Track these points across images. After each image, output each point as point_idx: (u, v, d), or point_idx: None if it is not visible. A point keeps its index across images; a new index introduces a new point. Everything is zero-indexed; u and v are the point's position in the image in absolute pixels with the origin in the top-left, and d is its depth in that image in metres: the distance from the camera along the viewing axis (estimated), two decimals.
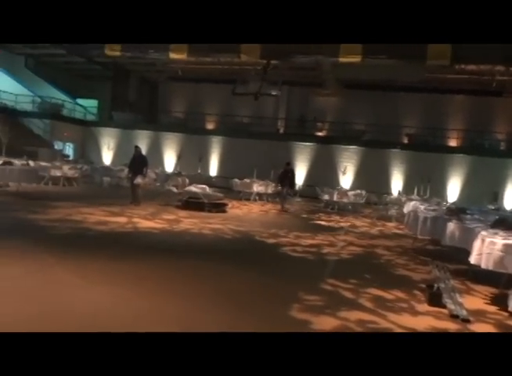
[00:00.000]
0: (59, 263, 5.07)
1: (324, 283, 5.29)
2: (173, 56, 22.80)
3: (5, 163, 12.36)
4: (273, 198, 18.32)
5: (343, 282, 5.39)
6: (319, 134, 26.57)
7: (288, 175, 14.30)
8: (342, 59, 20.54)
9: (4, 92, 24.68)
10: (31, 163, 14.80)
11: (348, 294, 4.91)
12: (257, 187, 17.23)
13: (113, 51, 23.32)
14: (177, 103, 31.19)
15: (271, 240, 8.25)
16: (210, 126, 28.95)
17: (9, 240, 6.08)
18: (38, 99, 26.38)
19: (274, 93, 21.34)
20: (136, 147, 12.86)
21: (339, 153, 24.03)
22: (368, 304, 4.59)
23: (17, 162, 13.55)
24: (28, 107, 25.51)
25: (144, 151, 15.03)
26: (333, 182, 21.67)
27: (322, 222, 12.22)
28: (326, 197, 16.62)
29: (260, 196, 17.40)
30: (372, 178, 21.99)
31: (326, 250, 7.75)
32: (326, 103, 26.90)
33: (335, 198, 16.24)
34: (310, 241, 8.49)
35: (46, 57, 29.15)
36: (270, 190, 17.62)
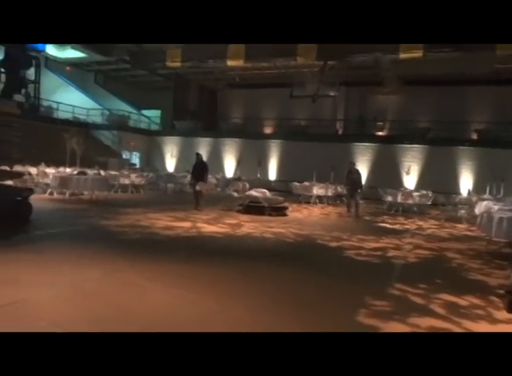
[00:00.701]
0: (131, 266, 5.35)
1: (391, 288, 5.11)
2: (230, 62, 23.30)
3: (79, 173, 13.28)
4: (333, 201, 18.05)
5: (412, 287, 5.17)
6: (380, 134, 25.81)
7: (354, 176, 13.31)
8: (403, 56, 19.86)
9: (77, 107, 26.52)
10: (102, 172, 15.78)
11: (418, 300, 4.70)
12: (317, 190, 17.05)
13: (174, 62, 24.31)
14: (235, 109, 31.79)
15: (333, 244, 8.12)
16: (268, 130, 29.17)
17: (86, 245, 6.52)
18: (107, 112, 28.08)
19: (332, 94, 21.09)
20: (197, 154, 13.21)
21: (402, 152, 23.17)
22: (440, 310, 4.37)
23: (90, 172, 14.50)
24: (98, 120, 27.24)
25: (205, 157, 15.45)
26: (397, 183, 20.92)
27: (387, 225, 11.83)
28: (390, 198, 16.08)
29: (320, 199, 17.21)
30: (438, 177, 20.95)
31: (391, 253, 7.50)
32: (386, 101, 26.12)
33: (399, 199, 15.67)
34: (374, 244, 8.26)
35: (113, 72, 31.00)
36: (330, 193, 17.38)
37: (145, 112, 31.88)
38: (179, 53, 23.98)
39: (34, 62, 8.10)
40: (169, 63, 24.55)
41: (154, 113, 32.31)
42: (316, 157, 22.51)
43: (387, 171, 22.16)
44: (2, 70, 7.78)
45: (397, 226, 11.69)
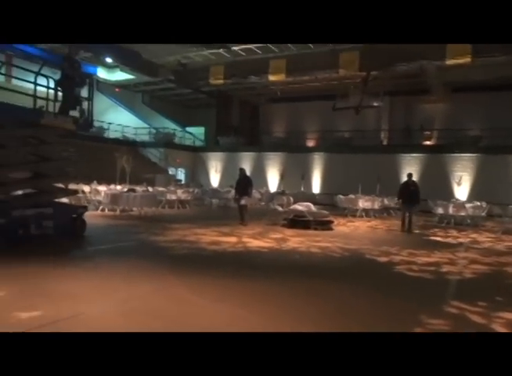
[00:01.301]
0: (180, 282, 5.43)
1: (448, 306, 4.86)
2: (272, 77, 23.53)
3: (129, 190, 13.77)
4: (380, 214, 17.58)
5: (470, 304, 4.89)
6: (428, 143, 25.00)
7: (411, 189, 12.15)
8: (449, 62, 19.26)
9: (126, 126, 27.68)
10: (150, 189, 16.27)
11: (478, 319, 4.44)
12: (363, 203, 16.68)
13: (216, 79, 24.89)
14: (277, 123, 31.96)
15: (382, 258, 7.88)
16: (311, 143, 29.05)
17: (136, 261, 6.70)
18: (154, 131, 29.08)
19: (376, 105, 20.73)
20: (241, 169, 13.26)
21: (452, 162, 22.29)
22: (503, 330, 4.10)
23: (139, 189, 15.00)
24: (145, 138, 28.26)
25: (248, 172, 15.56)
26: (447, 194, 20.09)
27: (438, 238, 11.34)
28: (440, 210, 15.45)
29: (366, 212, 16.82)
30: (493, 187, 19.93)
31: (445, 268, 7.15)
32: (433, 110, 25.33)
33: (451, 211, 15.02)
34: (426, 259, 7.92)
35: (159, 92, 32.16)
36: (377, 206, 16.96)
37: (189, 129, 32.75)
38: (221, 70, 24.55)
39: (88, 81, 8.66)
40: (212, 81, 25.16)
41: (198, 130, 33.11)
42: (361, 169, 22.11)
43: (436, 182, 21.33)
44: (60, 89, 8.39)
45: (449, 240, 11.18)
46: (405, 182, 12.47)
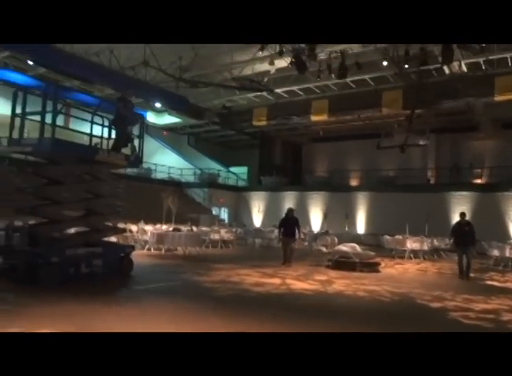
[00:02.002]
0: (223, 324, 5.35)
1: None
2: (314, 118, 23.79)
3: (174, 230, 14.05)
4: (430, 255, 16.79)
5: None
6: (478, 181, 23.99)
7: (465, 229, 11.10)
8: (498, 98, 18.72)
9: (172, 167, 28.66)
10: (194, 228, 16.51)
11: None
12: (411, 244, 16.03)
13: (259, 121, 25.49)
14: (320, 162, 31.96)
15: (435, 304, 7.44)
16: (354, 182, 28.69)
17: (181, 301, 6.71)
18: (198, 171, 29.86)
19: (422, 143, 20.30)
20: (289, 209, 12.95)
21: (506, 201, 21.17)
22: None
23: (183, 228, 15.26)
24: (190, 179, 29.03)
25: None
26: (502, 235, 18.94)
27: (495, 283, 10.62)
28: (496, 252, 14.53)
29: (415, 253, 16.11)
30: None
31: (506, 317, 6.63)
32: (482, 147, 24.48)
33: (507, 254, 14.09)
34: (484, 306, 7.40)
35: (204, 134, 33.31)
36: (426, 247, 16.22)
37: (233, 169, 33.38)
38: (264, 112, 25.15)
39: (139, 119, 9.31)
40: (255, 122, 25.79)
41: (241, 170, 33.67)
42: (407, 209, 21.42)
43: (490, 222, 20.19)
44: (113, 127, 9.02)
45: (508, 284, 10.43)
46: (458, 223, 11.47)
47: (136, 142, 9.42)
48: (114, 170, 9.94)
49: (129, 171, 24.36)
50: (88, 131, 8.51)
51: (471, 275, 11.23)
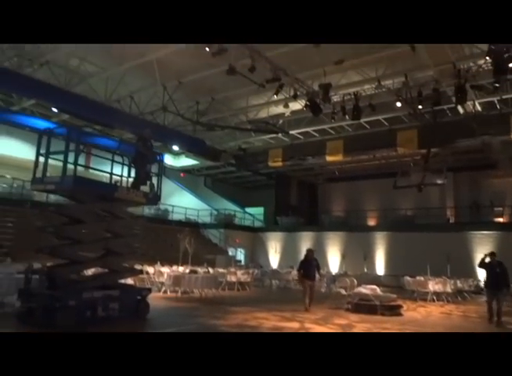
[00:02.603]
0: None
1: None
2: (329, 158, 23.94)
3: (191, 272, 13.95)
4: (454, 298, 16.19)
5: None
6: (500, 220, 23.42)
7: (496, 271, 10.26)
8: None
9: (189, 208, 28.88)
10: (211, 270, 16.37)
11: None
12: (434, 285, 15.50)
13: (275, 162, 25.75)
14: (336, 201, 31.82)
15: None
16: (372, 222, 28.35)
17: None
18: (215, 212, 29.98)
19: (439, 182, 20.11)
20: (310, 251, 12.45)
21: None
22: None
23: (200, 270, 15.15)
24: (207, 220, 29.11)
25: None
26: None
27: None
28: None
29: (438, 295, 15.55)
30: None
31: None
32: (502, 184, 24.11)
33: None
34: None
35: (220, 175, 33.75)
36: (449, 289, 15.65)
37: (249, 210, 33.45)
38: (280, 153, 25.44)
39: (158, 157, 9.66)
40: (271, 163, 26.05)
41: (258, 211, 33.71)
42: (427, 249, 20.92)
43: None
44: (133, 165, 9.36)
45: None
46: (489, 263, 10.56)
47: (155, 180, 9.66)
48: (133, 207, 10.14)
49: (147, 212, 24.66)
50: (108, 170, 8.84)
51: (503, 319, 10.58)
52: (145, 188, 9.46)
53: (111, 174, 8.82)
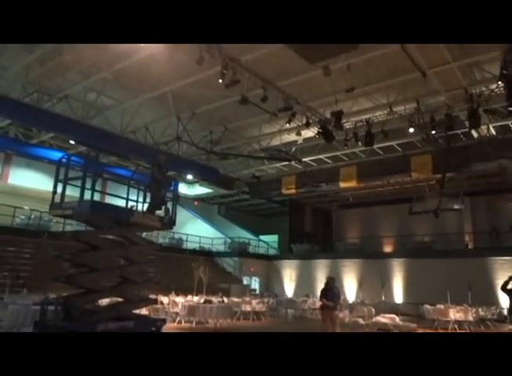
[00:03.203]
0: None
1: None
2: (343, 184, 23.84)
3: (205, 301, 13.81)
4: (477, 327, 15.64)
5: None
6: None
7: None
8: None
9: (203, 237, 28.88)
10: (225, 299, 16.19)
11: None
12: (455, 314, 15.03)
13: (288, 189, 25.74)
14: (351, 228, 31.48)
15: None
16: (388, 249, 27.89)
17: None
18: (229, 240, 29.89)
19: (456, 207, 19.79)
20: (331, 279, 11.99)
21: None
22: None
23: (214, 299, 14.98)
24: (221, 248, 29.00)
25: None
26: None
27: None
28: None
29: (459, 324, 15.05)
30: None
31: None
32: None
33: None
34: None
35: (234, 203, 33.83)
36: (471, 317, 15.16)
37: (263, 237, 33.26)
38: (293, 180, 25.45)
39: (173, 182, 9.83)
40: (284, 191, 26.03)
41: (272, 238, 33.49)
42: (447, 276, 20.40)
43: None
44: (148, 190, 9.55)
45: None
46: None
47: (170, 204, 9.78)
48: (148, 235, 10.22)
49: (161, 241, 24.71)
50: (124, 195, 9.02)
51: None
52: (160, 213, 9.59)
53: (127, 199, 8.98)
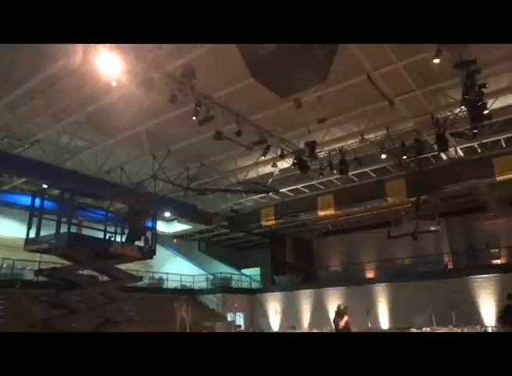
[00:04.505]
0: None
1: None
2: (322, 213, 24.02)
3: None
4: None
5: None
6: (498, 262, 23.29)
7: None
8: (500, 178, 19.01)
9: (184, 275, 28.30)
10: None
11: None
12: None
13: (268, 221, 25.73)
14: (332, 256, 31.52)
15: None
16: (370, 274, 27.96)
17: None
18: (211, 277, 29.36)
19: (433, 229, 20.16)
20: (345, 307, 11.47)
21: None
22: None
23: None
24: (203, 285, 28.42)
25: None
26: None
27: None
28: None
29: None
30: None
31: None
32: (495, 226, 24.27)
33: None
34: None
35: (214, 238, 33.48)
36: None
37: (245, 271, 32.86)
38: (272, 212, 25.48)
39: (151, 212, 9.80)
40: (263, 222, 26.00)
41: (254, 271, 33.16)
42: (430, 297, 20.50)
43: None
44: (126, 220, 9.42)
45: None
46: (508, 307, 9.66)
47: (149, 234, 9.64)
48: (129, 262, 9.99)
49: (141, 282, 24.03)
50: (102, 228, 8.84)
51: None
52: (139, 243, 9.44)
53: (105, 231, 8.82)
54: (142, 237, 9.44)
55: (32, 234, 8.25)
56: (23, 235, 8.52)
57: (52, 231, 7.93)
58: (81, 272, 8.82)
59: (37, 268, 17.93)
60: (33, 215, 8.36)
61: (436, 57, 9.86)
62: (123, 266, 9.44)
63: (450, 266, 25.27)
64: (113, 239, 8.94)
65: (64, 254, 8.66)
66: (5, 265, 19.51)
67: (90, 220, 10.08)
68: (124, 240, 9.19)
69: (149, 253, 9.58)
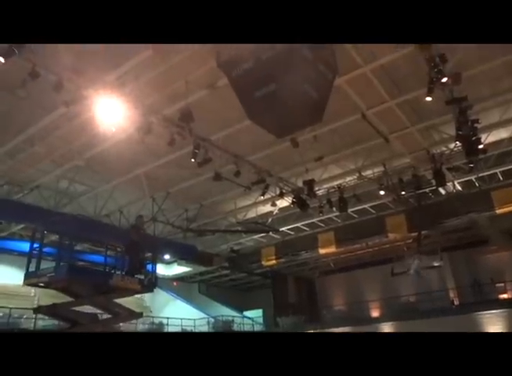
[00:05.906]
0: None
1: None
2: (322, 251, 23.77)
3: None
4: None
5: None
6: (505, 296, 22.81)
7: None
8: (499, 211, 18.97)
9: (184, 318, 27.59)
10: None
11: None
12: None
13: (268, 260, 25.42)
14: (336, 295, 30.89)
15: None
16: (375, 313, 27.29)
17: None
18: (212, 320, 28.61)
19: (436, 264, 19.91)
20: None
21: None
22: None
23: None
24: (204, 329, 27.62)
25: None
26: None
27: None
28: None
29: None
30: None
31: None
32: (499, 259, 23.98)
33: None
34: None
35: (214, 279, 32.92)
36: None
37: (247, 313, 32.06)
38: (273, 251, 25.21)
39: (151, 243, 9.83)
40: (264, 262, 25.66)
41: (256, 313, 32.31)
42: None
43: None
44: (126, 253, 9.34)
45: None
46: None
47: (149, 267, 9.54)
48: (129, 296, 9.81)
49: (140, 328, 23.38)
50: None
51: None
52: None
53: (105, 264, 8.74)
54: (143, 270, 9.40)
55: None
56: (20, 282, 8.40)
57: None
58: (81, 308, 8.63)
59: (33, 317, 17.51)
60: (33, 250, 8.33)
61: (428, 95, 10.10)
62: None
63: (456, 302, 24.72)
64: (113, 271, 8.88)
65: (64, 287, 8.50)
66: (1, 314, 19.02)
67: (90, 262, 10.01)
68: (124, 272, 9.13)
69: (149, 286, 9.47)
